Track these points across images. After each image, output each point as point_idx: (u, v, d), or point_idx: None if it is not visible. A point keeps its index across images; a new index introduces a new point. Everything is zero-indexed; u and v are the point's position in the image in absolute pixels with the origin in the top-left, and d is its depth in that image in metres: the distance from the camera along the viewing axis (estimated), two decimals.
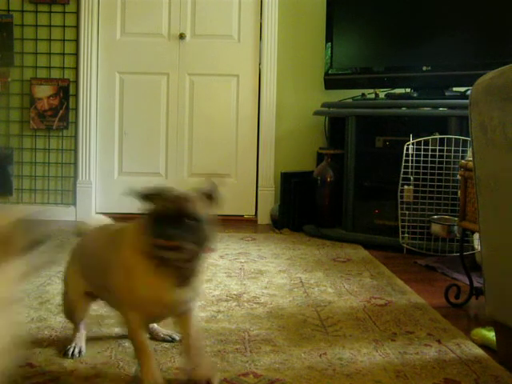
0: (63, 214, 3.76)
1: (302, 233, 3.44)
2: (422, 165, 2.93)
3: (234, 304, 2.03)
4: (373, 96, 3.42)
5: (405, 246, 2.98)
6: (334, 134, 3.54)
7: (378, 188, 3.28)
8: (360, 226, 3.26)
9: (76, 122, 3.77)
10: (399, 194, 2.96)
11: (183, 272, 1.29)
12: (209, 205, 1.30)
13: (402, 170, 2.94)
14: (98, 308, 1.93)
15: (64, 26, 3.73)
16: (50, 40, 3.73)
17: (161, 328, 1.67)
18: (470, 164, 1.80)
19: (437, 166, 2.93)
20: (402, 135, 3.04)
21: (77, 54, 3.74)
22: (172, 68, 3.86)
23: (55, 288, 2.15)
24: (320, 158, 3.60)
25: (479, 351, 1.65)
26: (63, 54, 3.75)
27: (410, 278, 2.49)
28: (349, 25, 3.53)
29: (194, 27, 3.85)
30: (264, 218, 3.80)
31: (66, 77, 3.75)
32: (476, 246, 2.52)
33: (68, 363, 1.48)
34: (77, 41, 3.74)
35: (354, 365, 1.53)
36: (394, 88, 3.45)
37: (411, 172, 2.95)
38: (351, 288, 2.28)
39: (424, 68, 3.20)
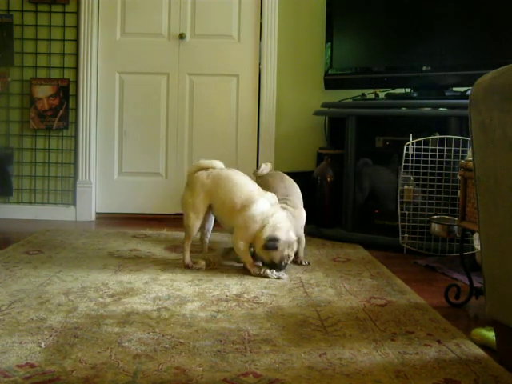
0: (63, 214, 3.76)
1: None
2: (422, 165, 2.93)
3: (234, 304, 2.03)
4: (373, 96, 3.42)
5: (405, 245, 2.98)
6: (334, 134, 3.54)
7: (378, 188, 3.29)
8: (360, 226, 3.26)
9: (76, 122, 3.77)
10: (399, 193, 2.96)
11: None
12: None
13: (402, 169, 2.94)
14: (97, 308, 1.93)
15: (64, 26, 3.73)
16: (49, 40, 3.73)
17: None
18: (470, 164, 1.80)
19: (437, 165, 2.93)
20: (402, 135, 3.04)
21: (77, 54, 3.74)
22: (172, 68, 3.86)
23: (55, 288, 2.15)
24: (320, 158, 3.60)
25: (479, 351, 1.65)
26: (63, 54, 3.75)
27: (409, 278, 2.49)
28: (349, 25, 3.53)
29: (194, 27, 3.85)
30: None
31: (65, 77, 3.75)
32: (476, 246, 2.52)
33: (68, 363, 1.48)
34: (77, 41, 3.74)
35: (353, 365, 1.53)
36: (393, 88, 3.45)
37: (411, 172, 2.95)
38: (351, 288, 2.28)
39: (424, 68, 3.20)
